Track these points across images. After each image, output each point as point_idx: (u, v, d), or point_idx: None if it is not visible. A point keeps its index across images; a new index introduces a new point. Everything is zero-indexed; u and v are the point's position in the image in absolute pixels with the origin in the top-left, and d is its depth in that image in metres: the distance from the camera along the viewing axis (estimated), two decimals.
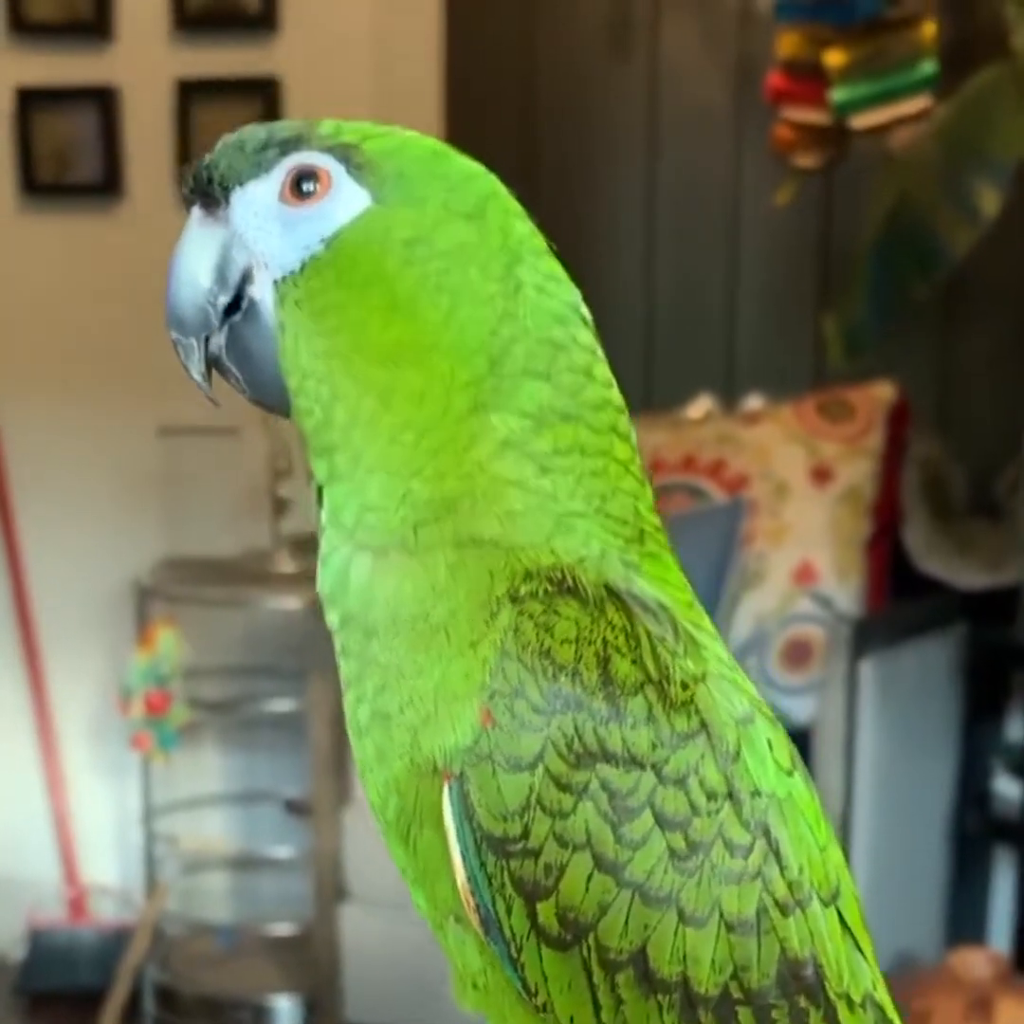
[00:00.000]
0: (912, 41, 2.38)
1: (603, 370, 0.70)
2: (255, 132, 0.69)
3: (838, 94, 2.40)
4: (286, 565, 2.88)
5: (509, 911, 0.64)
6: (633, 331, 3.08)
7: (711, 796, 0.65)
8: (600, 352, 0.70)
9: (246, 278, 0.68)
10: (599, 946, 0.64)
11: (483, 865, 0.64)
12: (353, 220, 0.66)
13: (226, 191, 0.68)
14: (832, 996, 0.67)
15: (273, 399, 0.69)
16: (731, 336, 3.07)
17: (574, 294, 0.70)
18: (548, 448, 0.67)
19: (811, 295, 3.00)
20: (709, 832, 0.64)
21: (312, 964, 2.74)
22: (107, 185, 3.08)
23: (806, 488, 2.62)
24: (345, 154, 0.67)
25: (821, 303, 2.89)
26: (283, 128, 0.69)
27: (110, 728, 3.11)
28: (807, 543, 2.58)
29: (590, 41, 3.05)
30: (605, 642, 0.64)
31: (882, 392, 2.67)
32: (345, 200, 0.66)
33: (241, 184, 0.68)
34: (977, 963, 2.28)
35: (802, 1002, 0.66)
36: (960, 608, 2.64)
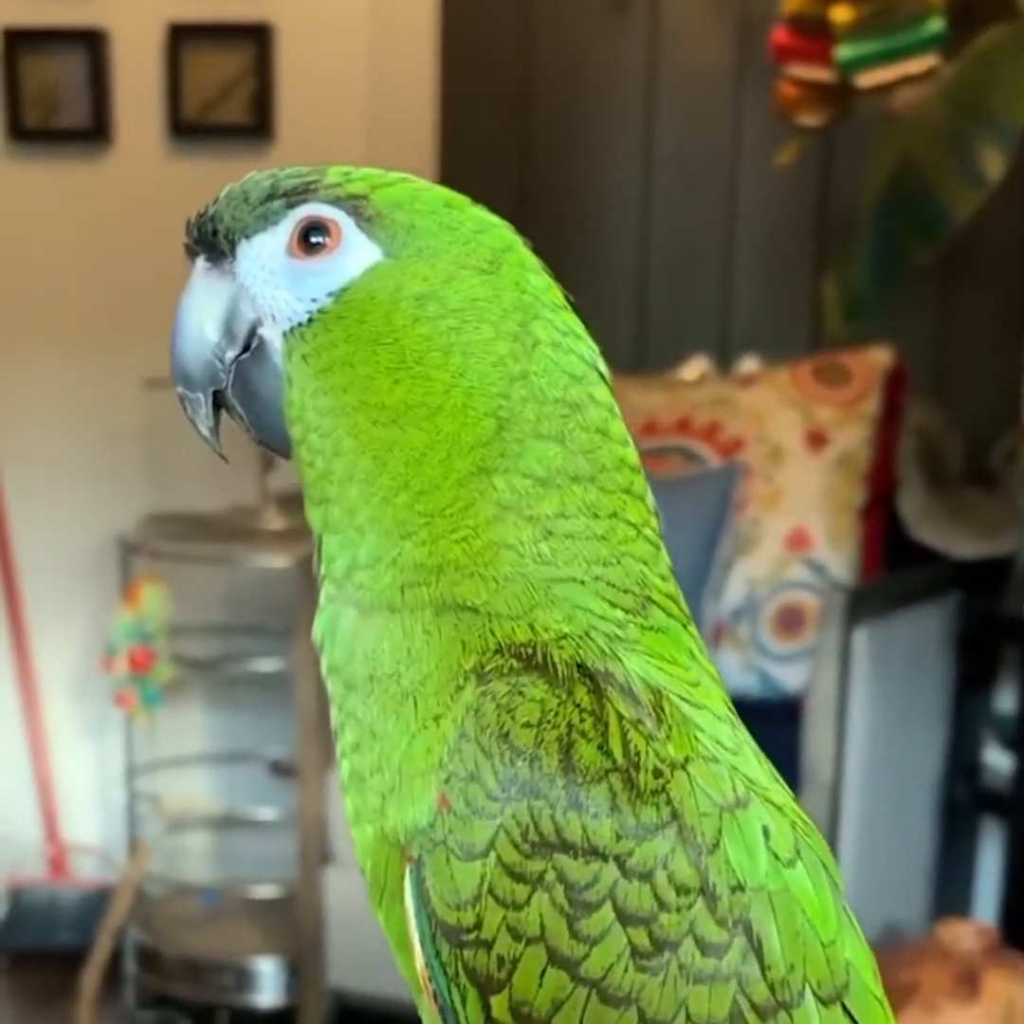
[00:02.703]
0: None
1: (619, 427, 0.67)
2: (259, 182, 0.67)
3: (844, 51, 2.36)
4: (273, 522, 2.84)
5: (464, 1001, 0.62)
6: (628, 290, 3.05)
7: (681, 891, 0.60)
8: (617, 408, 0.68)
9: (254, 329, 0.67)
10: None
11: (438, 953, 0.62)
12: (363, 274, 0.64)
13: (232, 244, 0.67)
14: None
15: (277, 442, 0.68)
16: (728, 298, 3.04)
17: (592, 350, 0.68)
18: (554, 511, 0.65)
19: (809, 258, 2.97)
20: (678, 929, 0.60)
21: (295, 926, 2.72)
22: (95, 131, 3.03)
23: (801, 453, 2.59)
24: (355, 206, 0.65)
25: (819, 266, 2.86)
26: (289, 177, 0.67)
27: (93, 686, 3.09)
28: (801, 509, 2.56)
29: None
30: (570, 726, 0.61)
31: (879, 357, 2.64)
32: (355, 253, 0.65)
33: (247, 237, 0.66)
34: (965, 935, 2.27)
35: None
36: (953, 578, 2.62)
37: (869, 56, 2.36)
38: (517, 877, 0.60)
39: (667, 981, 0.60)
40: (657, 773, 0.61)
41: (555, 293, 0.67)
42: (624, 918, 0.60)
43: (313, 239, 0.65)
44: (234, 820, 3.15)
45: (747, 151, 2.96)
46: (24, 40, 3.01)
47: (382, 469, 0.64)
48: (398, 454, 0.64)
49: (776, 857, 0.63)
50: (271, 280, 0.66)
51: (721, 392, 2.68)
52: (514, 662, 0.62)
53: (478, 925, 0.60)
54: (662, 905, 0.60)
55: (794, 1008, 0.62)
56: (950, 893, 2.70)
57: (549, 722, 0.61)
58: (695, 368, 2.83)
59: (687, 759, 0.62)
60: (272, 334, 0.66)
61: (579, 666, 0.62)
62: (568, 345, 0.66)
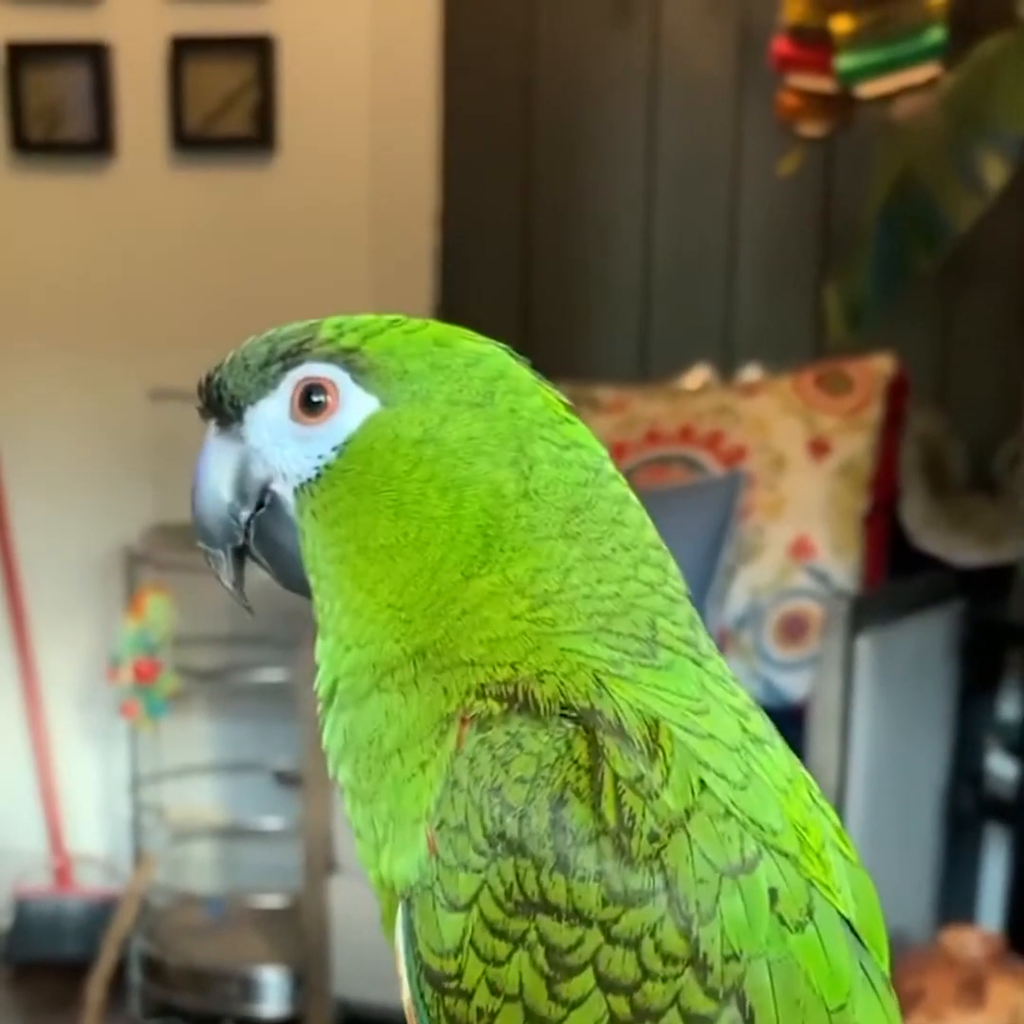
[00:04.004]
0: (920, 8, 2.35)
1: (635, 513, 0.69)
2: (257, 347, 0.69)
3: (845, 61, 2.36)
4: None
5: None
6: (630, 299, 3.05)
7: (668, 960, 0.59)
8: (633, 498, 0.70)
9: (266, 487, 0.70)
10: None
11: (422, 995, 0.62)
12: (361, 426, 0.66)
13: (238, 410, 0.69)
14: None
15: (305, 590, 0.70)
16: (730, 306, 3.04)
17: (597, 454, 0.69)
18: (555, 587, 0.66)
19: (811, 266, 2.97)
20: (662, 999, 0.59)
21: (301, 936, 2.72)
22: (98, 143, 3.03)
23: (804, 461, 2.59)
24: (348, 361, 0.67)
25: (821, 274, 2.87)
26: (285, 339, 0.69)
27: (98, 696, 3.09)
28: (804, 517, 2.56)
29: (591, 5, 3.01)
30: (565, 783, 0.60)
31: (881, 365, 2.65)
32: (353, 408, 0.67)
33: (252, 403, 0.69)
34: (970, 942, 2.27)
35: None
36: (957, 585, 2.62)
37: (870, 66, 2.36)
38: (498, 934, 0.60)
39: None
40: (653, 837, 0.59)
41: (554, 409, 0.68)
42: (606, 985, 0.59)
43: (314, 399, 0.67)
44: (239, 830, 3.15)
45: (749, 160, 2.96)
46: (28, 53, 3.01)
47: (371, 599, 0.66)
48: (386, 584, 0.66)
49: (782, 921, 0.61)
50: (278, 442, 0.68)
51: (723, 401, 2.69)
52: (495, 704, 0.62)
53: (459, 975, 0.60)
54: (647, 974, 0.59)
55: None
56: (955, 900, 2.70)
57: (544, 778, 0.60)
58: (697, 377, 2.84)
59: (688, 812, 0.60)
60: (284, 491, 0.69)
61: (562, 705, 0.61)
62: (569, 458, 0.68)
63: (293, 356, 0.68)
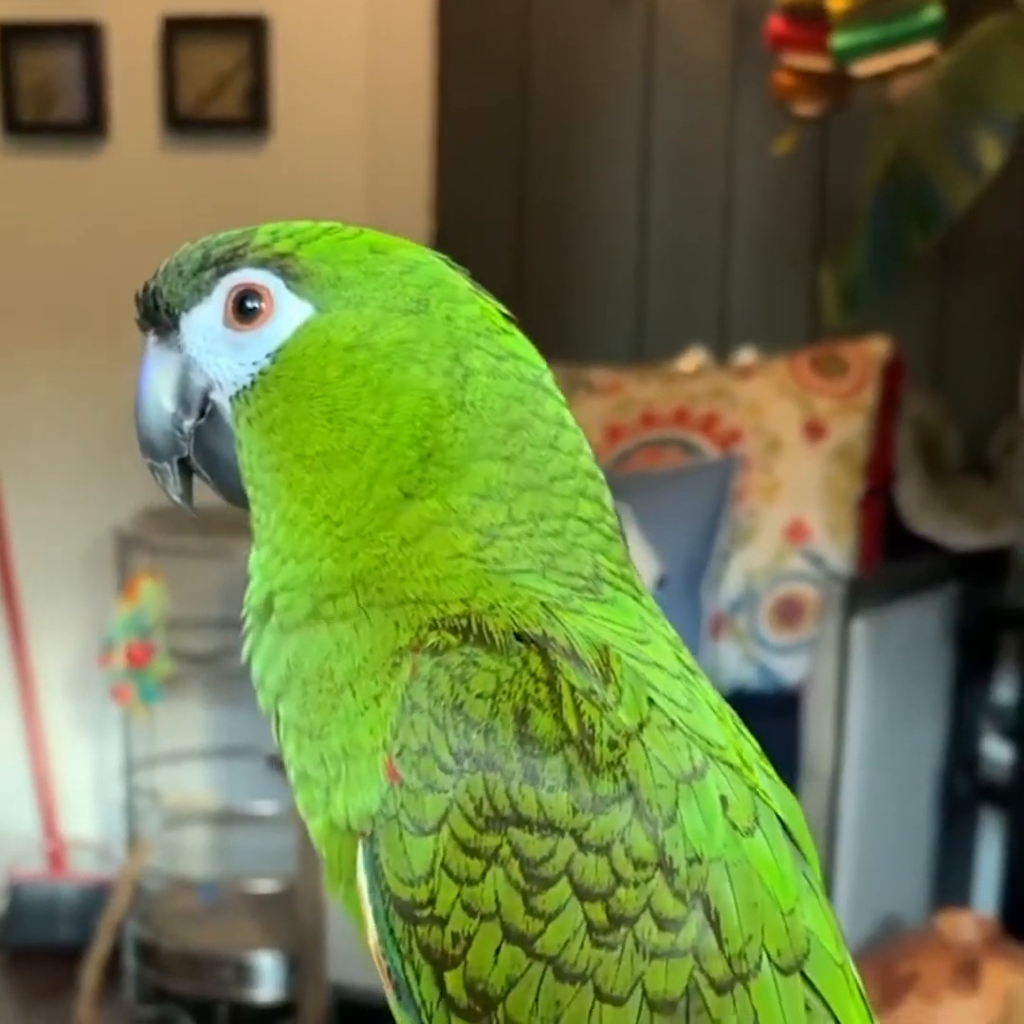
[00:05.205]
0: None
1: (571, 437, 0.68)
2: (191, 254, 0.68)
3: (840, 40, 2.35)
4: None
5: (418, 978, 0.62)
6: (626, 281, 3.04)
7: (639, 865, 0.60)
8: (570, 419, 0.69)
9: (206, 396, 0.69)
10: (509, 1020, 0.60)
11: (392, 930, 0.62)
12: (295, 332, 0.66)
13: (174, 317, 0.69)
14: None
15: (244, 502, 0.70)
16: (725, 289, 3.03)
17: (536, 367, 0.68)
18: (501, 520, 0.66)
19: (807, 248, 2.96)
20: (635, 904, 0.60)
21: (295, 921, 2.72)
22: (91, 124, 3.02)
23: (799, 444, 2.58)
24: (282, 267, 0.66)
25: (817, 257, 2.86)
26: (219, 245, 0.68)
27: (91, 681, 3.08)
28: (799, 500, 2.55)
29: None
30: (525, 696, 0.60)
31: (876, 348, 2.64)
32: (287, 314, 0.66)
33: (186, 310, 0.68)
34: (965, 926, 2.27)
35: None
36: (952, 568, 2.62)
37: (865, 44, 2.35)
38: (471, 852, 0.59)
39: (623, 957, 0.60)
40: (612, 744, 0.60)
41: (492, 318, 0.68)
42: (581, 893, 0.59)
43: (248, 305, 0.67)
44: (233, 815, 3.14)
45: (744, 141, 2.95)
46: (19, 34, 3.00)
47: (307, 509, 0.66)
48: (322, 494, 0.66)
49: (734, 827, 0.62)
50: (213, 349, 0.68)
51: (719, 383, 2.68)
52: (450, 634, 0.62)
53: (432, 901, 0.60)
54: (619, 880, 0.60)
55: (751, 980, 0.61)
56: (950, 884, 2.70)
57: (504, 692, 0.60)
58: (692, 359, 2.83)
59: (641, 726, 0.61)
60: (222, 400, 0.68)
61: (515, 632, 0.62)
62: (506, 370, 0.67)
63: (226, 262, 0.67)
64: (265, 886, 2.99)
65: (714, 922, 0.61)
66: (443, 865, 0.60)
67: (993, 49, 2.31)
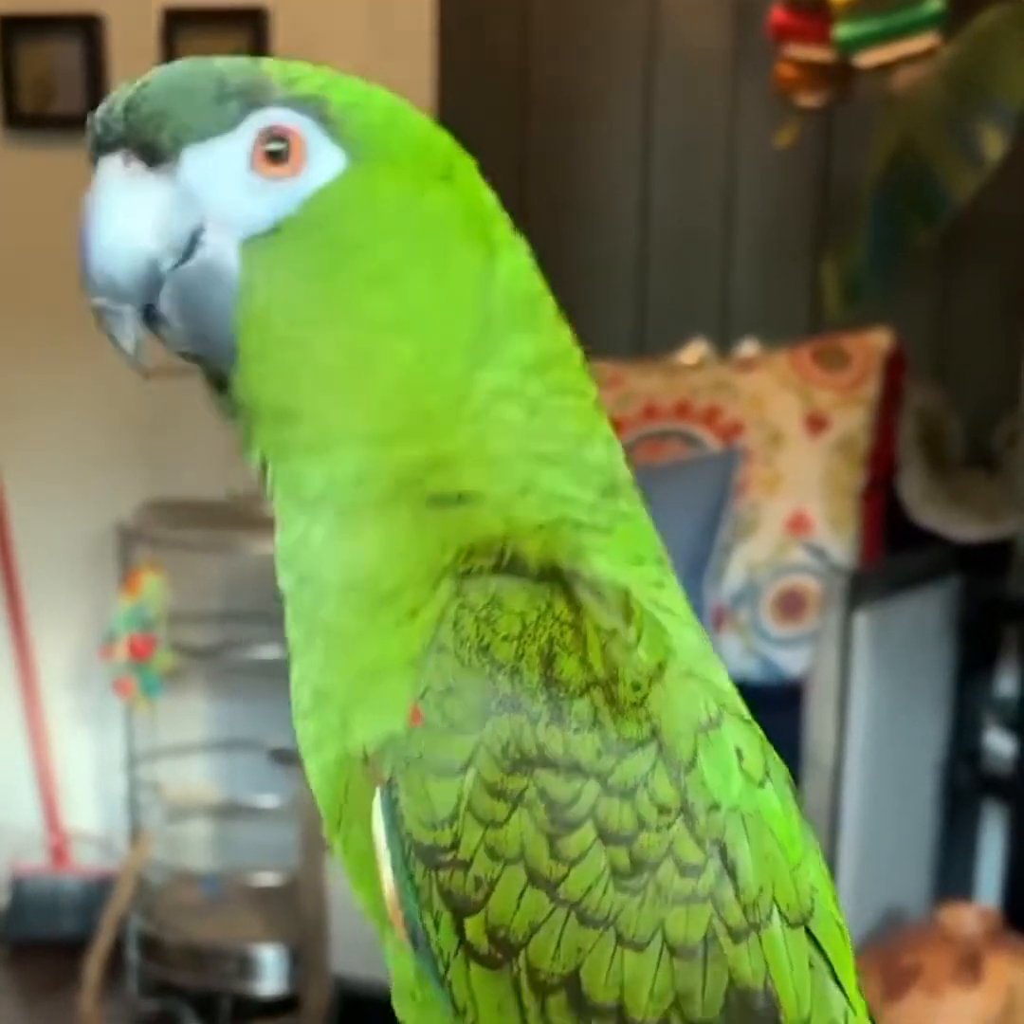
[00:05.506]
0: None
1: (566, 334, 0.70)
2: (204, 77, 0.62)
3: (843, 30, 2.34)
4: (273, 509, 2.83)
5: (437, 925, 0.60)
6: (627, 273, 3.03)
7: (662, 810, 0.60)
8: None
9: (195, 237, 0.62)
10: (530, 967, 0.59)
11: (411, 876, 0.60)
12: (333, 180, 0.62)
13: (177, 146, 0.61)
14: None
15: (214, 355, 0.64)
16: (726, 281, 3.02)
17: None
18: (539, 391, 0.66)
19: (808, 240, 2.95)
20: (657, 849, 0.59)
21: (297, 914, 2.72)
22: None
23: (801, 437, 2.58)
24: (317, 110, 0.62)
25: (819, 249, 2.85)
26: (236, 74, 0.62)
27: (93, 674, 3.08)
28: (801, 493, 2.55)
29: None
30: (551, 639, 0.60)
31: (878, 340, 2.63)
32: (321, 161, 0.62)
33: (200, 141, 0.61)
34: (967, 919, 2.27)
35: None
36: (955, 561, 2.61)
37: (868, 35, 2.34)
38: (497, 794, 0.59)
39: (645, 902, 0.59)
40: (636, 686, 0.60)
41: (493, 197, 0.68)
42: (605, 837, 0.59)
43: (276, 148, 0.62)
44: (235, 808, 3.14)
45: (746, 132, 2.94)
46: (20, 26, 3.00)
47: (369, 379, 0.63)
48: (387, 365, 0.63)
49: (748, 778, 0.62)
50: (227, 188, 0.62)
51: (720, 376, 2.67)
52: (486, 562, 0.61)
53: (455, 845, 0.59)
54: (643, 824, 0.59)
55: (763, 930, 0.61)
56: (952, 877, 2.70)
57: (530, 635, 0.60)
58: (694, 352, 2.82)
59: (661, 666, 0.61)
60: (223, 241, 0.62)
61: (552, 566, 0.62)
62: (518, 243, 0.67)
63: (254, 96, 0.61)
64: (267, 879, 3.00)
65: (731, 871, 0.61)
66: (468, 807, 0.59)
67: (996, 40, 2.30)
